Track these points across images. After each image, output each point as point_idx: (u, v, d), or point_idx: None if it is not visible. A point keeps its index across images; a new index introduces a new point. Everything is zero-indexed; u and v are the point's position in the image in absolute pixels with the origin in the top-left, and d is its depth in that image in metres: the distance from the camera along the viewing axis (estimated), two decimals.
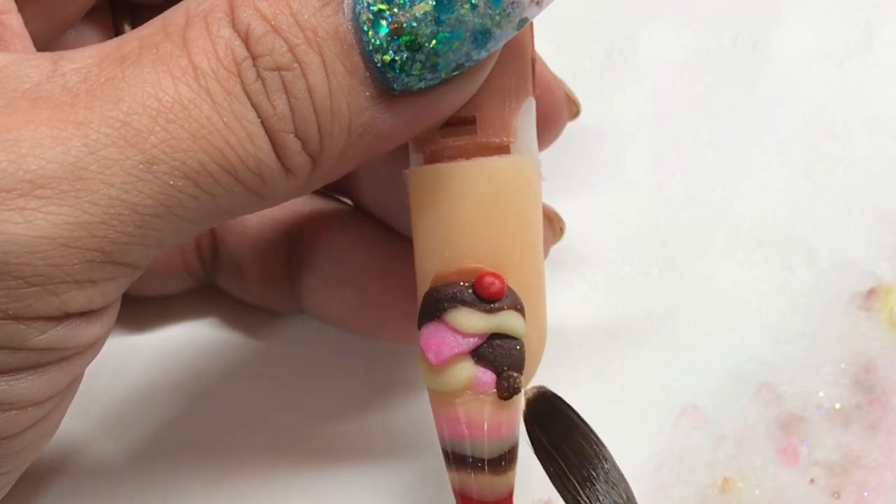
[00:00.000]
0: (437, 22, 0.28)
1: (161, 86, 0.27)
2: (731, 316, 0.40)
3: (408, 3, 0.28)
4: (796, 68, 0.43)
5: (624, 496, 0.30)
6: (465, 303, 0.31)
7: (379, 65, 0.28)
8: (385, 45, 0.28)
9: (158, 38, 0.28)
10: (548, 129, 0.37)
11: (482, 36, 0.29)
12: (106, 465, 0.38)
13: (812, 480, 0.37)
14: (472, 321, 0.31)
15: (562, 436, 0.31)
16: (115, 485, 0.38)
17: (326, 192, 0.40)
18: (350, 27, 0.28)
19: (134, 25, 0.33)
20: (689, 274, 0.41)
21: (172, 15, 0.29)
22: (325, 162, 0.29)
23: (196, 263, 0.39)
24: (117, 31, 0.37)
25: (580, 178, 0.42)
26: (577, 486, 0.30)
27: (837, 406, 0.38)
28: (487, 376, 0.31)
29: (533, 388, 0.32)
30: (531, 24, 0.31)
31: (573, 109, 0.38)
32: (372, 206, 0.39)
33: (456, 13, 0.28)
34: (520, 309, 0.31)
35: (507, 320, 0.31)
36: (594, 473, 0.30)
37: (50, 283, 0.27)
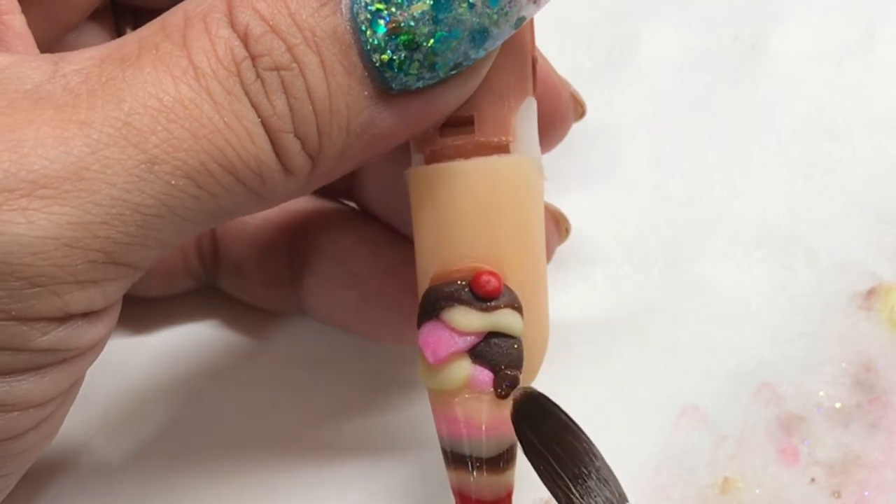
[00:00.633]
0: (435, 21, 0.28)
1: (162, 86, 0.27)
2: (731, 316, 0.40)
3: (405, 3, 0.28)
4: (796, 68, 0.43)
5: (616, 493, 0.30)
6: (461, 301, 0.31)
7: (377, 64, 0.28)
8: (383, 44, 0.28)
9: (158, 38, 0.28)
10: (553, 129, 0.37)
11: (480, 35, 0.29)
12: (106, 466, 0.38)
13: (812, 480, 0.37)
14: (468, 320, 0.31)
15: (551, 435, 0.31)
16: (116, 485, 0.38)
17: (329, 194, 0.40)
18: (348, 27, 0.28)
19: (136, 28, 0.33)
20: (689, 274, 0.41)
21: (171, 16, 0.29)
22: (324, 162, 0.29)
23: (197, 265, 0.39)
24: (119, 34, 0.37)
25: (580, 177, 0.42)
26: (569, 483, 0.30)
27: (838, 405, 0.38)
28: (485, 375, 0.31)
29: (519, 389, 0.32)
30: (532, 24, 0.31)
31: (579, 110, 0.38)
32: (376, 207, 0.39)
33: (454, 12, 0.28)
34: (517, 307, 0.31)
35: (503, 319, 0.31)
36: (585, 471, 0.30)
37: (52, 284, 0.27)
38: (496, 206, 0.31)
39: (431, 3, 0.28)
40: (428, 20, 0.28)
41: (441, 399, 0.32)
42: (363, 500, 0.38)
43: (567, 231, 0.39)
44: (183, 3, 0.29)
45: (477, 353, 0.31)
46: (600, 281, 0.41)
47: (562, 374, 0.37)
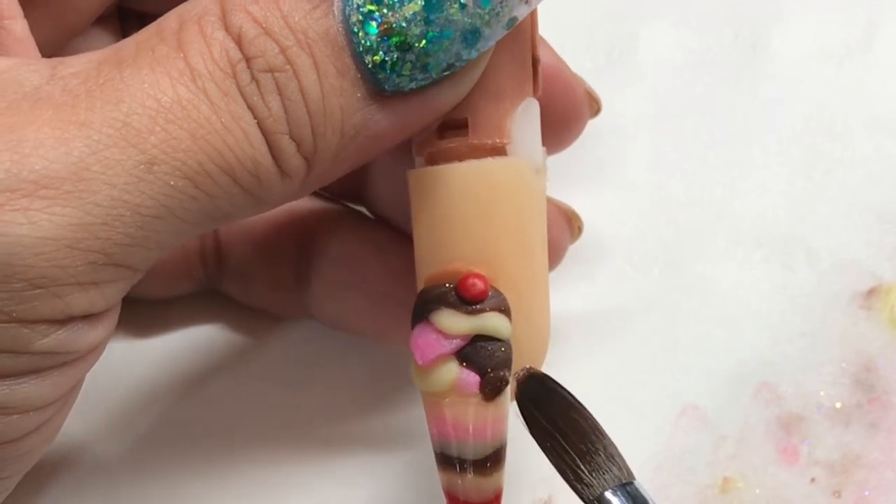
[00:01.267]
0: (427, 22, 0.28)
1: (160, 86, 0.27)
2: (731, 316, 0.40)
3: (397, 4, 0.28)
4: (796, 68, 0.43)
5: (624, 469, 0.30)
6: (448, 304, 0.31)
7: (370, 66, 0.28)
8: (375, 45, 0.28)
9: (154, 41, 0.28)
10: (569, 127, 0.37)
11: (472, 35, 0.29)
12: (107, 468, 0.38)
13: (813, 480, 0.37)
14: (454, 323, 0.31)
15: (557, 412, 0.31)
16: (117, 487, 0.38)
17: (337, 199, 0.40)
18: (340, 28, 0.28)
19: None
20: (689, 274, 0.41)
21: (166, 20, 0.29)
22: (320, 164, 0.29)
23: (199, 268, 0.39)
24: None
25: (580, 177, 0.42)
26: (577, 460, 0.30)
27: (838, 405, 0.38)
28: (472, 378, 0.31)
29: (522, 369, 0.32)
30: (535, 25, 0.31)
31: (594, 107, 0.38)
32: (386, 210, 0.39)
33: (445, 13, 0.28)
34: (504, 310, 0.31)
35: (489, 322, 0.31)
36: (592, 447, 0.30)
37: (54, 285, 0.27)
38: (490, 208, 0.31)
39: (423, 4, 0.28)
40: (419, 21, 0.28)
41: (431, 401, 0.32)
42: (366, 502, 0.38)
43: (580, 229, 0.39)
44: (177, 7, 0.29)
45: (464, 356, 0.31)
46: (600, 281, 0.41)
47: (561, 374, 0.36)
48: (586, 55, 0.44)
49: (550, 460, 0.31)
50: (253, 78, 0.28)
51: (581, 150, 0.40)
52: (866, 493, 0.37)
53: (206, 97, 0.28)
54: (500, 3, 0.28)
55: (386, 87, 0.29)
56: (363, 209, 0.40)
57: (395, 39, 0.28)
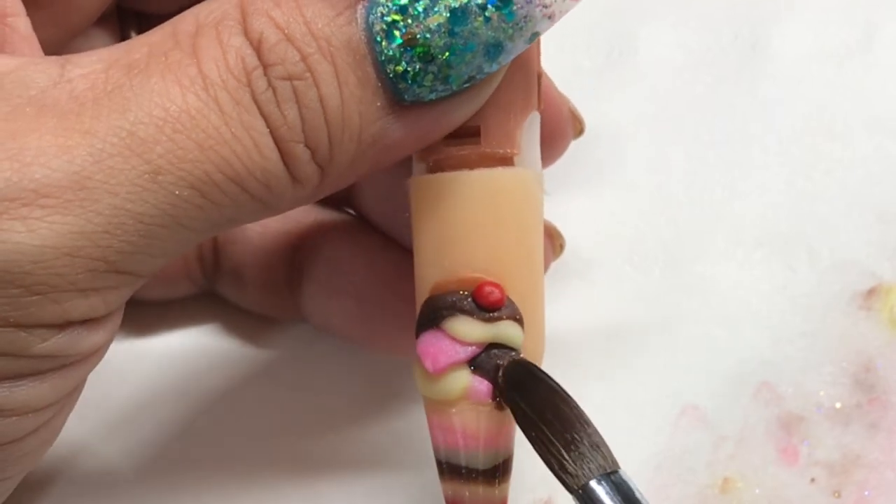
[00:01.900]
0: (451, 34, 0.28)
1: (169, 95, 0.27)
2: (731, 316, 0.40)
3: (422, 15, 0.28)
4: (796, 68, 0.43)
5: (609, 458, 0.30)
6: (464, 311, 0.31)
7: (391, 75, 0.28)
8: (398, 55, 0.28)
9: (168, 45, 0.28)
10: (553, 146, 0.37)
11: (494, 49, 0.28)
12: (106, 470, 0.38)
13: (812, 480, 0.37)
14: (470, 330, 0.31)
15: (542, 401, 0.30)
16: (115, 490, 0.38)
17: (329, 203, 0.40)
18: (363, 37, 0.28)
19: (140, 33, 0.33)
20: (689, 274, 0.41)
21: (182, 23, 0.28)
22: (334, 171, 0.29)
23: (198, 270, 0.39)
24: (124, 39, 0.37)
25: (580, 177, 0.42)
26: (561, 450, 0.30)
27: (838, 405, 0.38)
28: (484, 386, 0.31)
29: (507, 356, 0.31)
30: (538, 40, 0.31)
31: (577, 127, 0.38)
32: (374, 216, 0.38)
33: (470, 26, 0.28)
34: (518, 319, 0.31)
35: (505, 330, 0.31)
36: (577, 437, 0.29)
37: (52, 292, 0.27)
38: (499, 217, 0.31)
39: (448, 15, 0.28)
40: (444, 33, 0.28)
41: (438, 409, 0.31)
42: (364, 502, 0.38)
43: (561, 247, 0.39)
44: (194, 8, 0.29)
45: (477, 364, 0.31)
46: (600, 281, 0.41)
47: (561, 374, 0.36)
48: (586, 55, 0.44)
49: (536, 451, 0.30)
50: (269, 85, 0.28)
51: (581, 151, 0.40)
52: (866, 493, 0.37)
53: (217, 106, 0.27)
54: (525, 17, 0.28)
55: (406, 97, 0.28)
56: (351, 212, 0.40)
57: (418, 50, 0.28)
